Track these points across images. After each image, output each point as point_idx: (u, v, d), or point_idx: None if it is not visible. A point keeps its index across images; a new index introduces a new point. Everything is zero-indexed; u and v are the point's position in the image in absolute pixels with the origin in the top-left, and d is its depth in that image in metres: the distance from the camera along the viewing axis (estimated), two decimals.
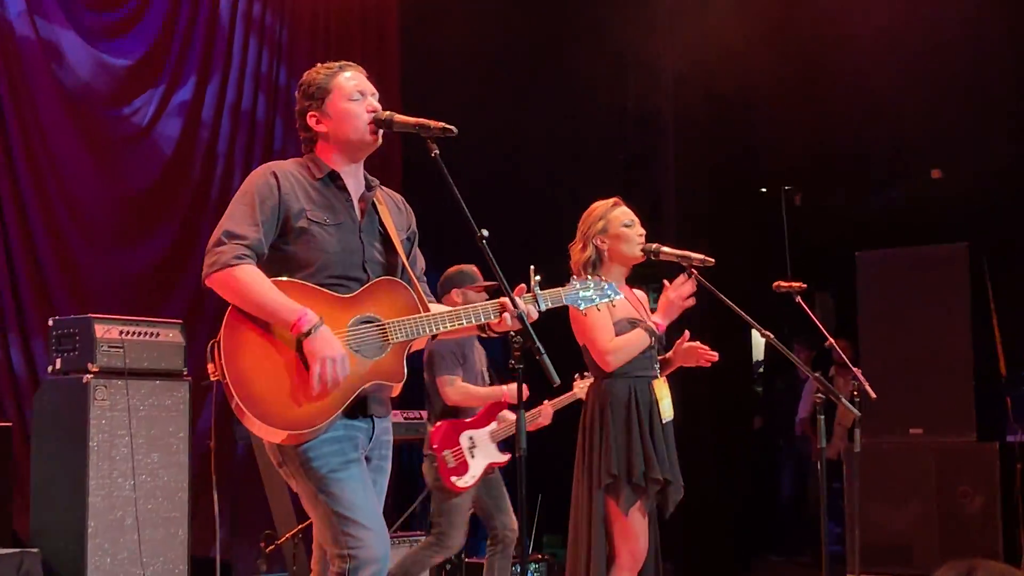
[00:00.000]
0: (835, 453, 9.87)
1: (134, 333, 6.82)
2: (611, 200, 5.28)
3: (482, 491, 6.65)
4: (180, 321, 7.15)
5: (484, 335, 3.90)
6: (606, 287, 4.09)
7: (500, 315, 3.79)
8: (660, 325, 5.11)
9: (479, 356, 6.84)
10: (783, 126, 10.02)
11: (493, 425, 6.70)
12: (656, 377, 5.16)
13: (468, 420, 6.64)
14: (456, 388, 6.59)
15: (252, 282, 3.62)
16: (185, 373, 7.03)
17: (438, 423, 6.60)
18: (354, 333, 3.71)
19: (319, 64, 3.98)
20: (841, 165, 10.62)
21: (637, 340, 5.07)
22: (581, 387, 6.42)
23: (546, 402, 6.70)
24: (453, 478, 6.50)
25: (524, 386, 3.83)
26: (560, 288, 3.99)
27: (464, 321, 3.79)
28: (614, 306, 4.90)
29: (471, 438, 6.60)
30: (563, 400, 6.67)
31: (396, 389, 3.81)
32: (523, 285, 3.86)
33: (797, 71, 9.63)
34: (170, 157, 8.90)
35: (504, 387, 6.63)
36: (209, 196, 8.94)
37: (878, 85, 9.57)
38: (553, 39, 10.20)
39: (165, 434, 6.85)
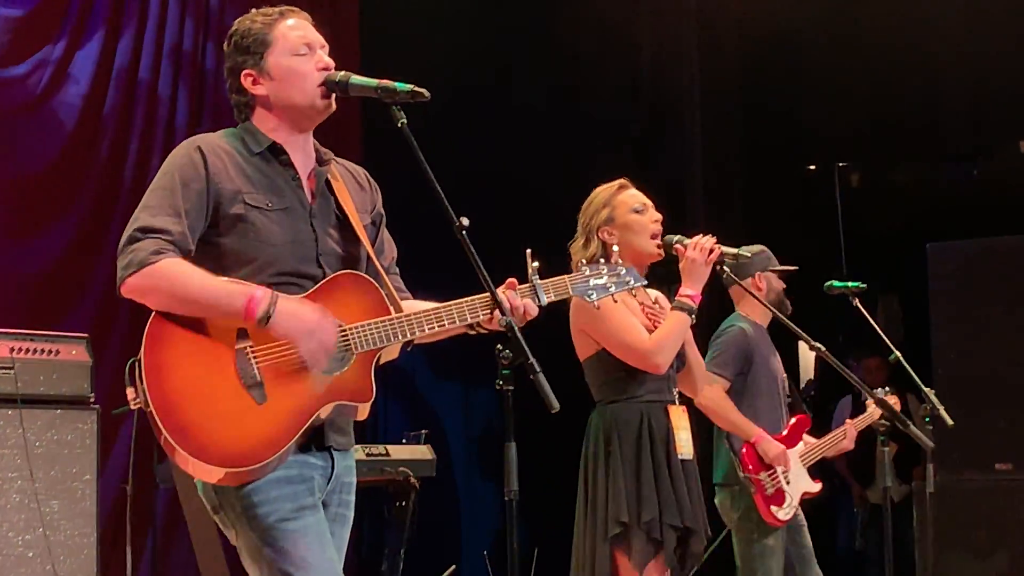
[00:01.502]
0: (878, 497, 9.87)
1: (28, 350, 6.79)
2: (616, 183, 5.28)
3: (787, 535, 6.60)
4: (86, 335, 7.12)
5: (473, 332, 3.85)
6: (623, 272, 4.02)
7: (492, 313, 3.73)
8: (693, 296, 5.11)
9: (779, 370, 6.80)
10: (835, 88, 10.05)
11: (800, 446, 6.68)
12: (673, 402, 5.15)
13: (778, 436, 6.62)
14: (714, 392, 6.48)
15: (181, 274, 3.59)
16: (92, 400, 7.00)
17: (746, 443, 6.53)
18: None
19: (254, 10, 3.94)
20: (907, 137, 10.64)
21: (679, 325, 5.08)
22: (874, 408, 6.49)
23: (848, 422, 6.72)
24: (773, 508, 6.43)
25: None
26: (565, 276, 3.94)
27: (447, 322, 3.75)
28: (635, 295, 4.88)
29: (788, 459, 6.55)
30: (865, 420, 6.69)
31: (363, 411, 3.77)
32: (514, 280, 3.80)
33: (852, 19, 9.66)
34: (72, 131, 8.86)
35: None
36: (122, 179, 8.90)
37: (953, 38, 9.60)
38: None
39: (68, 476, 6.82)
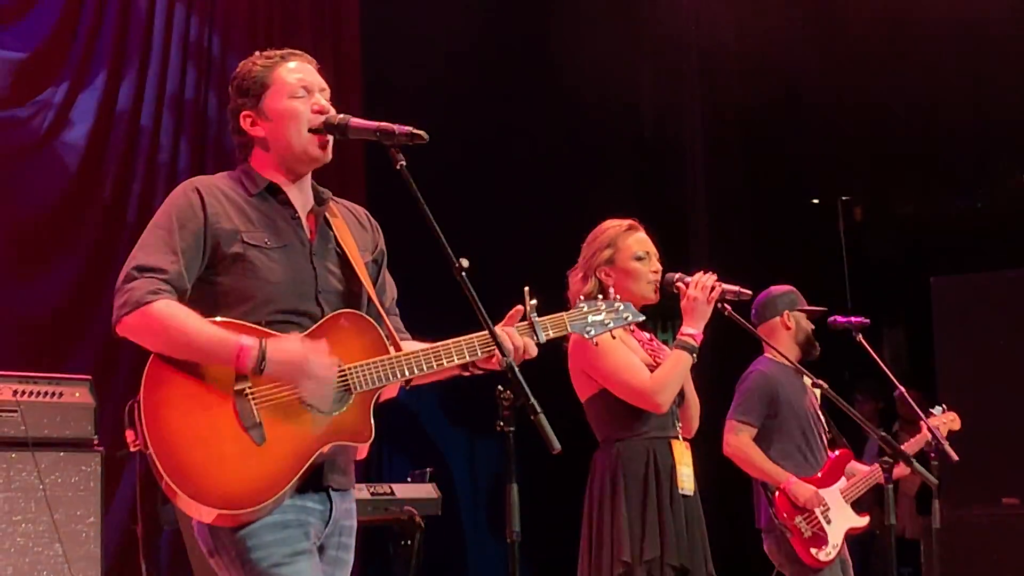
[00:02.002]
0: (901, 530, 9.84)
1: (32, 393, 6.79)
2: (625, 222, 5.26)
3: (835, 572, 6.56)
4: (89, 377, 7.12)
5: (467, 374, 3.84)
6: (621, 308, 4.03)
7: (491, 352, 3.72)
8: (695, 335, 5.09)
9: (810, 406, 6.74)
10: (838, 122, 10.06)
11: (842, 482, 6.64)
12: (676, 437, 5.14)
13: (812, 477, 6.60)
14: (740, 442, 6.53)
15: (173, 317, 3.60)
16: (96, 442, 7.00)
17: (778, 489, 6.50)
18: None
19: (257, 52, 3.98)
20: (910, 170, 10.65)
21: (680, 364, 5.06)
22: (942, 421, 6.58)
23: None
24: (813, 551, 6.40)
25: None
26: (563, 313, 3.94)
27: (445, 360, 3.75)
28: (632, 331, 4.88)
29: (823, 499, 6.53)
30: (917, 443, 6.63)
31: (362, 451, 3.78)
32: (518, 309, 3.79)
33: (854, 54, 9.69)
34: (76, 171, 8.88)
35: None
36: (124, 220, 8.92)
37: (955, 71, 9.62)
38: (551, 16, 10.26)
39: (72, 519, 6.81)
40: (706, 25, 10.07)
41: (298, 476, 3.62)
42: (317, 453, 3.65)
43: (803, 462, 6.55)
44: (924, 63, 9.66)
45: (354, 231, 3.98)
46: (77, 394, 6.98)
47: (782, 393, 6.57)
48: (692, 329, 5.08)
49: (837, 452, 6.69)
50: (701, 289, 5.07)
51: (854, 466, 6.73)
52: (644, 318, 4.30)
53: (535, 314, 3.82)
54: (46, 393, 6.86)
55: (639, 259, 5.16)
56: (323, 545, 3.79)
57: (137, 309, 3.60)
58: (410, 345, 3.91)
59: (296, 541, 3.66)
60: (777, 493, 6.48)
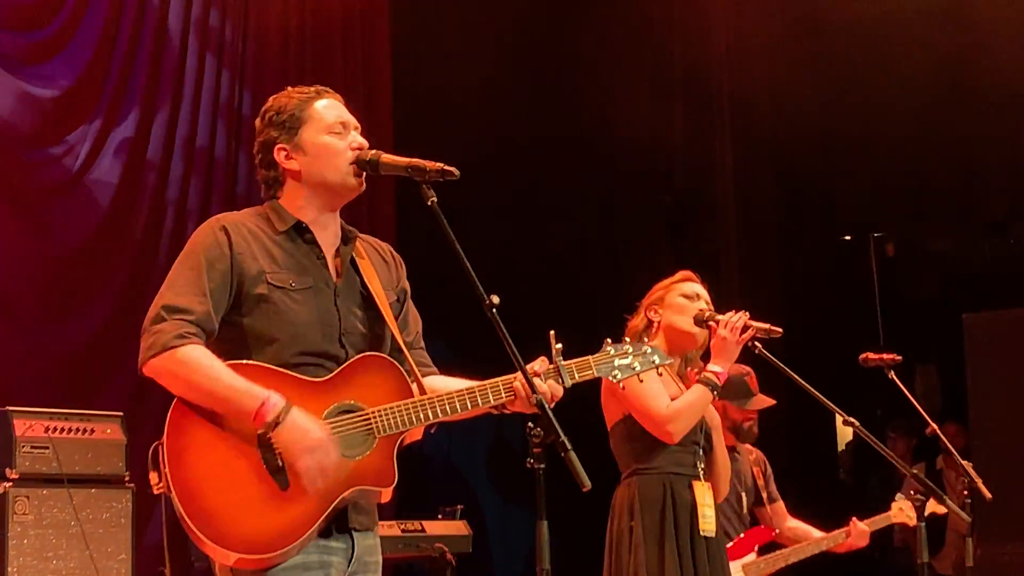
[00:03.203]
0: (949, 566, 9.79)
1: (64, 430, 6.82)
2: (682, 273, 5.44)
3: None
4: (120, 414, 7.15)
5: (496, 413, 3.85)
6: (649, 351, 4.04)
7: (514, 395, 3.74)
8: (720, 374, 5.15)
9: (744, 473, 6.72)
10: (870, 157, 10.05)
11: (750, 557, 6.59)
12: (698, 477, 5.15)
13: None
14: None
15: (200, 365, 3.61)
16: (127, 478, 7.02)
17: None
18: (331, 426, 3.67)
19: (289, 88, 4.00)
20: (943, 205, 10.63)
21: (700, 399, 5.13)
22: (903, 508, 6.57)
23: (855, 520, 6.68)
24: None
25: None
26: (590, 357, 3.95)
27: (470, 405, 3.76)
28: (661, 375, 4.91)
29: None
30: (879, 521, 6.71)
31: (386, 495, 3.78)
32: (543, 357, 3.81)
33: (886, 89, 9.68)
34: (108, 208, 8.93)
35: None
36: (156, 257, 8.96)
37: (989, 105, 9.60)
38: (579, 55, 10.30)
39: (103, 555, 6.83)
40: (736, 63, 10.09)
41: (321, 521, 3.64)
42: (340, 498, 3.66)
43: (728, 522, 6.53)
44: (960, 99, 9.65)
45: (379, 269, 3.99)
46: (109, 430, 7.01)
47: None
48: (718, 368, 5.15)
49: (746, 533, 6.64)
50: (731, 330, 5.13)
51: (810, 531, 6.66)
52: (671, 361, 4.35)
53: (560, 358, 3.82)
54: (78, 430, 6.89)
55: (686, 296, 5.28)
56: None
57: (164, 352, 3.62)
58: (436, 381, 3.94)
59: None
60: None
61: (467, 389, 3.78)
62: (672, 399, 5.14)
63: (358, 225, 4.07)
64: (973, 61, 9.32)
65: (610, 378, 3.97)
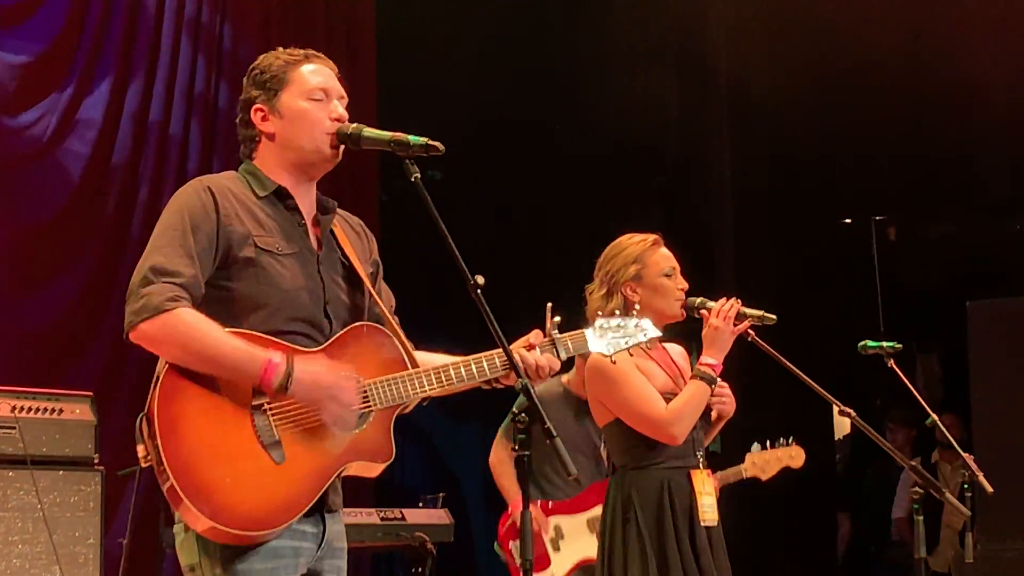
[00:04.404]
0: (945, 564, 9.82)
1: (31, 409, 6.82)
2: (649, 237, 5.25)
3: None
4: (90, 394, 7.14)
5: (488, 387, 3.87)
6: (640, 324, 4.07)
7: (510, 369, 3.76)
8: (714, 366, 5.07)
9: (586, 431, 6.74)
10: (871, 139, 10.06)
11: (596, 510, 6.66)
12: (697, 466, 5.13)
13: (559, 502, 6.63)
14: (496, 456, 6.70)
15: (197, 329, 3.59)
16: (97, 460, 7.02)
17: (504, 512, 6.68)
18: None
19: (279, 48, 4.01)
20: (947, 188, 10.64)
21: (698, 395, 5.04)
22: (758, 460, 6.37)
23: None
24: None
25: None
26: (584, 330, 3.99)
27: (467, 377, 3.79)
28: (649, 347, 4.88)
29: (557, 527, 6.57)
30: (729, 475, 6.53)
31: (379, 470, 3.79)
32: (538, 331, 3.85)
33: (890, 64, 9.69)
34: (79, 181, 8.92)
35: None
36: (129, 231, 8.95)
37: (996, 83, 9.61)
38: (571, 30, 10.29)
39: (71, 540, 6.83)
40: (733, 39, 10.09)
41: (318, 496, 3.65)
42: (338, 473, 3.68)
43: (553, 486, 6.58)
44: (961, 78, 9.66)
45: (353, 242, 4.01)
46: (77, 411, 7.01)
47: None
48: (712, 359, 5.06)
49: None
50: (724, 319, 5.05)
51: None
52: (661, 334, 4.31)
53: (556, 331, 3.87)
54: (46, 409, 6.89)
55: (667, 275, 5.15)
56: (317, 569, 3.79)
57: (157, 316, 3.57)
58: (425, 356, 3.94)
59: (287, 571, 3.67)
60: (506, 513, 6.71)
61: (463, 360, 3.82)
62: (664, 392, 5.07)
63: (340, 201, 4.07)
64: (976, 41, 9.34)
65: (604, 352, 4.01)
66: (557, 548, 6.51)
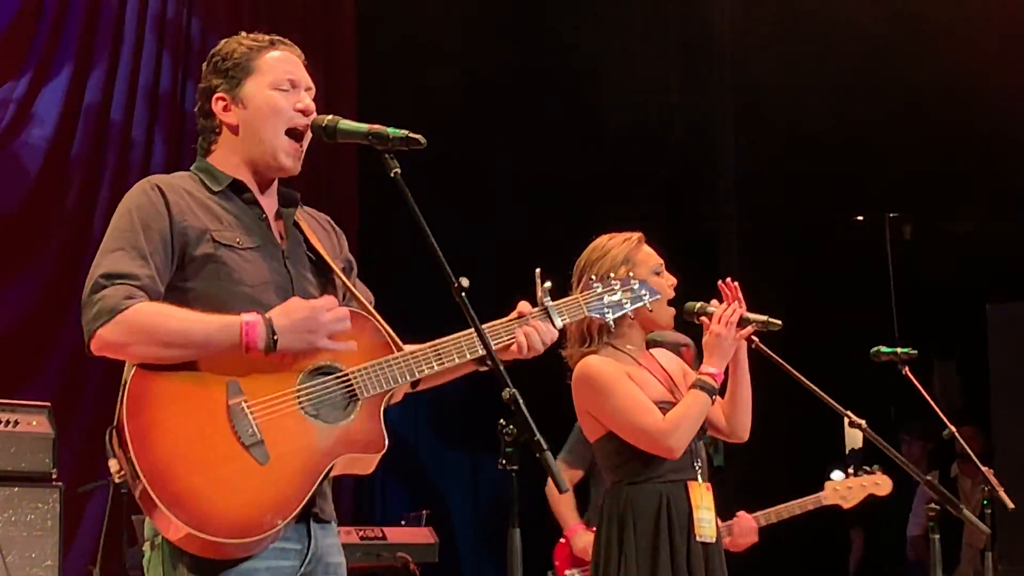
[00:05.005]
0: None
1: None
2: (633, 235, 5.22)
3: None
4: (47, 404, 7.14)
5: (485, 369, 3.80)
6: (637, 286, 4.06)
7: (506, 343, 3.76)
8: (715, 375, 5.02)
9: None
10: (886, 131, 10.09)
11: None
12: (695, 478, 5.11)
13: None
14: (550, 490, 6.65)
15: (158, 314, 3.57)
16: (55, 476, 7.01)
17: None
18: (307, 391, 3.66)
19: (243, 33, 3.97)
20: (966, 184, 10.67)
21: (698, 406, 4.99)
22: (840, 487, 6.37)
23: (741, 513, 6.47)
24: None
25: None
26: (579, 295, 3.98)
27: (456, 357, 3.76)
28: (647, 306, 4.79)
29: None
30: (788, 509, 6.53)
31: (372, 463, 3.74)
32: (524, 301, 3.82)
33: (904, 51, 9.71)
34: (37, 174, 8.92)
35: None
36: (91, 230, 8.93)
37: (1013, 79, 9.64)
38: (570, 13, 10.31)
39: (27, 561, 6.83)
40: (741, 32, 10.11)
41: (309, 496, 3.61)
42: (328, 468, 3.65)
43: None
44: (984, 70, 9.68)
45: (321, 237, 3.98)
46: (34, 422, 7.00)
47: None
48: (713, 368, 5.01)
49: None
50: (726, 325, 5.01)
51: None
52: (660, 296, 4.27)
53: (548, 298, 3.85)
54: (1, 421, 6.88)
55: (656, 273, 5.14)
56: None
57: (114, 317, 3.55)
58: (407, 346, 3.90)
59: None
60: (561, 540, 6.71)
61: (452, 338, 3.79)
62: (658, 402, 5.01)
63: (318, 199, 4.07)
64: (998, 34, 9.37)
65: (602, 316, 4.00)
66: None
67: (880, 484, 6.40)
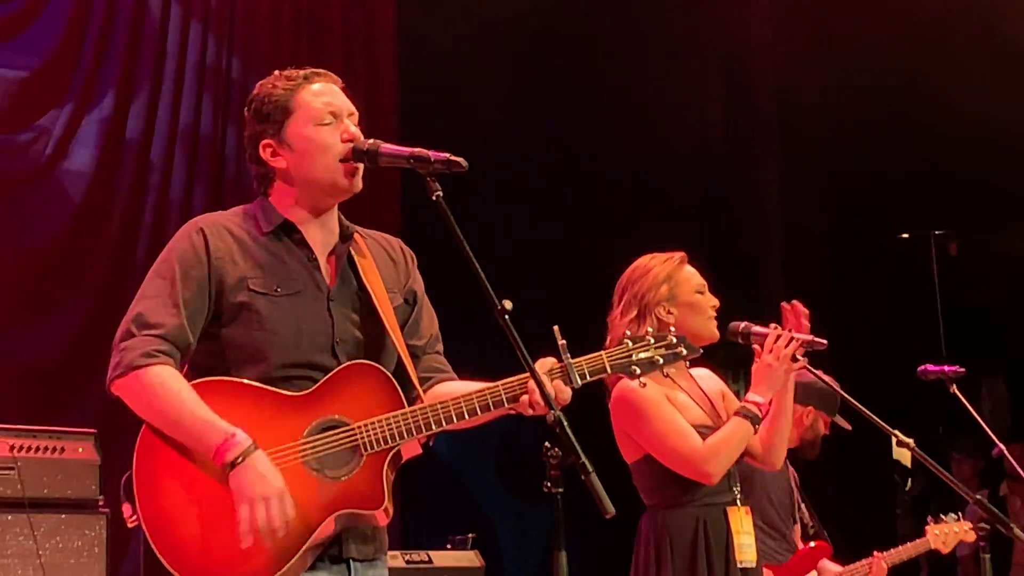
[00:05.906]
0: None
1: (30, 448, 6.82)
2: (675, 255, 5.21)
3: None
4: (94, 431, 7.14)
5: (515, 413, 3.77)
6: (675, 341, 3.91)
7: (517, 395, 3.69)
8: (762, 405, 4.99)
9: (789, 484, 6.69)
10: (929, 146, 10.04)
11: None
12: (734, 503, 5.09)
13: (776, 566, 6.54)
14: None
15: (164, 390, 3.62)
16: (101, 503, 7.02)
17: None
18: (312, 445, 3.67)
19: (277, 72, 3.97)
20: (1013, 200, 10.61)
21: (740, 433, 4.95)
22: (940, 533, 6.59)
23: (877, 555, 6.60)
24: None
25: None
26: (602, 352, 3.86)
27: (467, 413, 3.71)
28: (677, 370, 4.74)
29: None
30: (905, 552, 6.61)
31: (380, 518, 3.75)
32: (551, 357, 3.74)
33: (952, 74, 9.67)
34: (81, 202, 8.95)
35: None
36: (134, 257, 8.97)
37: None
38: (605, 37, 10.31)
39: None
40: (782, 53, 10.09)
41: (304, 549, 3.61)
42: (323, 524, 3.64)
43: (766, 546, 6.47)
44: None
45: (383, 268, 3.97)
46: (81, 450, 7.01)
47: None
48: (759, 397, 4.97)
49: (812, 544, 6.60)
50: (779, 359, 4.95)
51: (825, 564, 6.63)
52: (701, 352, 4.19)
53: (568, 355, 3.74)
54: (46, 448, 6.89)
55: (699, 292, 5.12)
56: None
57: (129, 373, 3.64)
58: (446, 387, 3.90)
59: None
60: None
61: (465, 396, 3.74)
62: (697, 426, 4.97)
63: (360, 224, 4.06)
64: None
65: (629, 374, 3.86)
66: None
67: (968, 532, 6.63)
